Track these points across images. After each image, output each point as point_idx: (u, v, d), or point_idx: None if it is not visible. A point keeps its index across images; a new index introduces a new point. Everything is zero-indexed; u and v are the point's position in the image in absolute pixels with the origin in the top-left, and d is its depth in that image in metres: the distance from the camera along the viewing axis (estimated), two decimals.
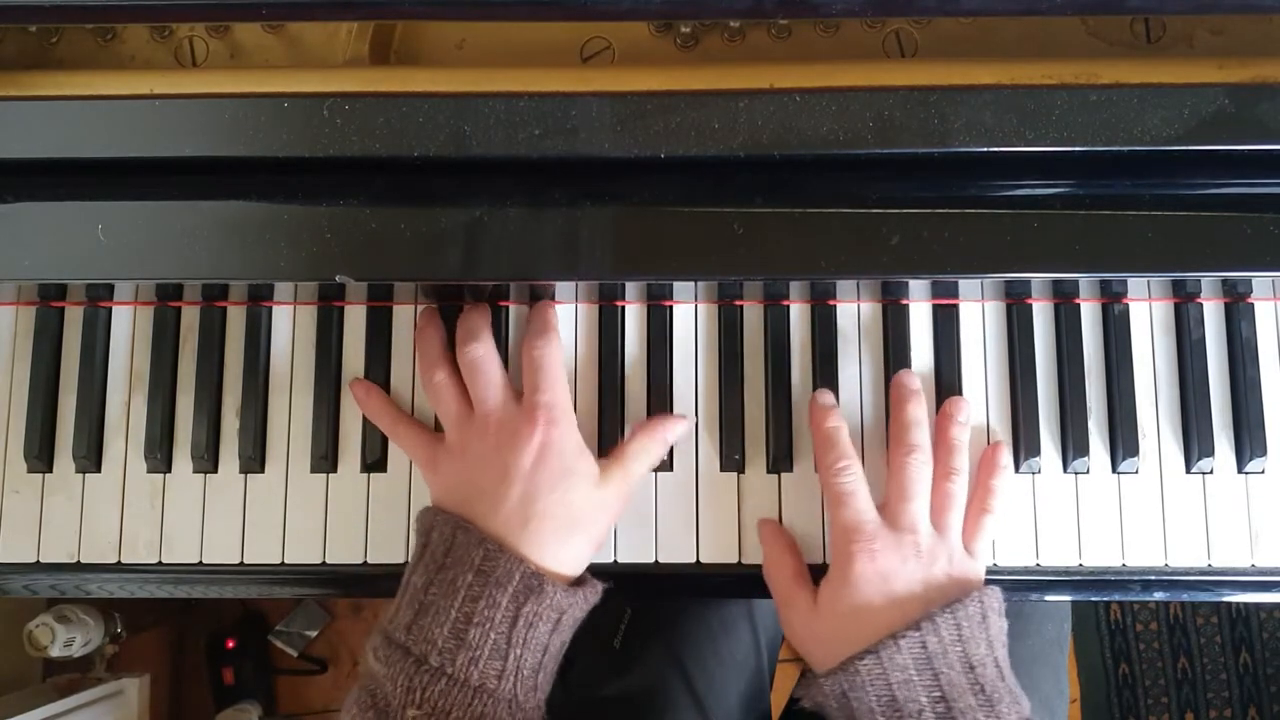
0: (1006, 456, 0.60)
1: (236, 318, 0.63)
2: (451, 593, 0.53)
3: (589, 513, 0.57)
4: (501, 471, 0.56)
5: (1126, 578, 0.61)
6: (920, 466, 0.57)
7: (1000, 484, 0.59)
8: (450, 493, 0.58)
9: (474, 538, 0.54)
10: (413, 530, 0.59)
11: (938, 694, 0.52)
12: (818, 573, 0.58)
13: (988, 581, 0.57)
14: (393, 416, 0.61)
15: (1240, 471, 0.61)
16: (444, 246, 0.55)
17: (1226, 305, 0.62)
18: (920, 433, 0.58)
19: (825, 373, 0.61)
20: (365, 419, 0.62)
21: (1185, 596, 0.62)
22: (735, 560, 0.61)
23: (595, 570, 0.59)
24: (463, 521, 0.55)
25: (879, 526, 0.56)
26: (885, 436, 0.61)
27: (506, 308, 0.63)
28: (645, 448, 0.59)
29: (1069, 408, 0.61)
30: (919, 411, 0.59)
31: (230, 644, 1.42)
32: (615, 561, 0.61)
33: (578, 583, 0.56)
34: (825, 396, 0.60)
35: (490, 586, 0.52)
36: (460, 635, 0.52)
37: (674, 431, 0.60)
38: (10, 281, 0.62)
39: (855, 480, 0.57)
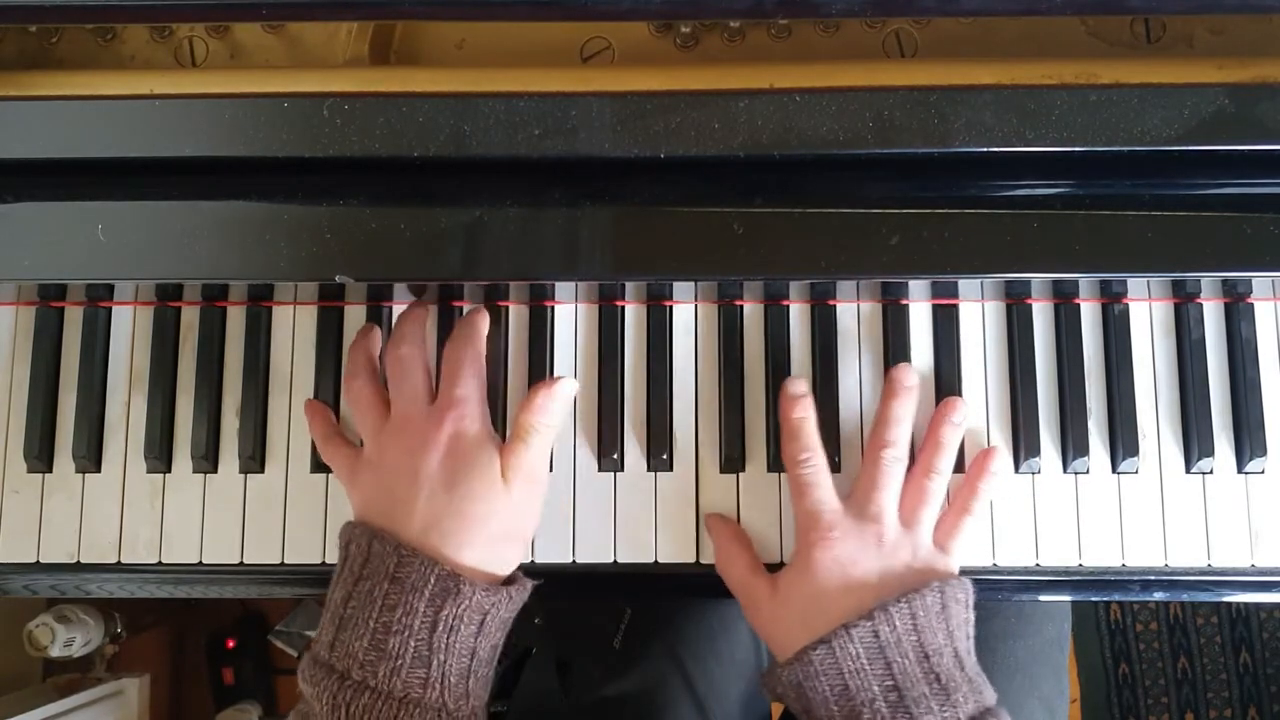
0: (999, 462, 0.60)
1: (236, 318, 0.63)
2: (369, 603, 0.52)
3: (501, 506, 0.55)
4: (412, 475, 0.55)
5: (1126, 578, 0.61)
6: (892, 462, 0.57)
7: (986, 487, 0.59)
8: (368, 505, 0.57)
9: (389, 545, 0.53)
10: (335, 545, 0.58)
11: (890, 683, 0.51)
12: None
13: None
14: (323, 436, 0.61)
15: (1240, 471, 0.61)
16: (444, 246, 0.55)
17: (1226, 305, 0.62)
18: (899, 430, 0.58)
19: (825, 373, 0.61)
20: None
21: (1185, 596, 0.62)
22: None
23: (595, 570, 0.59)
24: (379, 531, 0.54)
25: (839, 515, 0.56)
26: None
27: (507, 308, 0.63)
28: (531, 425, 0.56)
29: (1069, 408, 0.61)
30: (903, 409, 0.59)
31: (230, 644, 1.42)
32: (615, 561, 0.61)
33: (509, 581, 0.55)
34: (796, 385, 0.59)
35: (406, 593, 0.51)
36: (380, 646, 0.51)
37: (555, 397, 0.56)
38: (10, 281, 0.62)
39: (817, 471, 0.57)
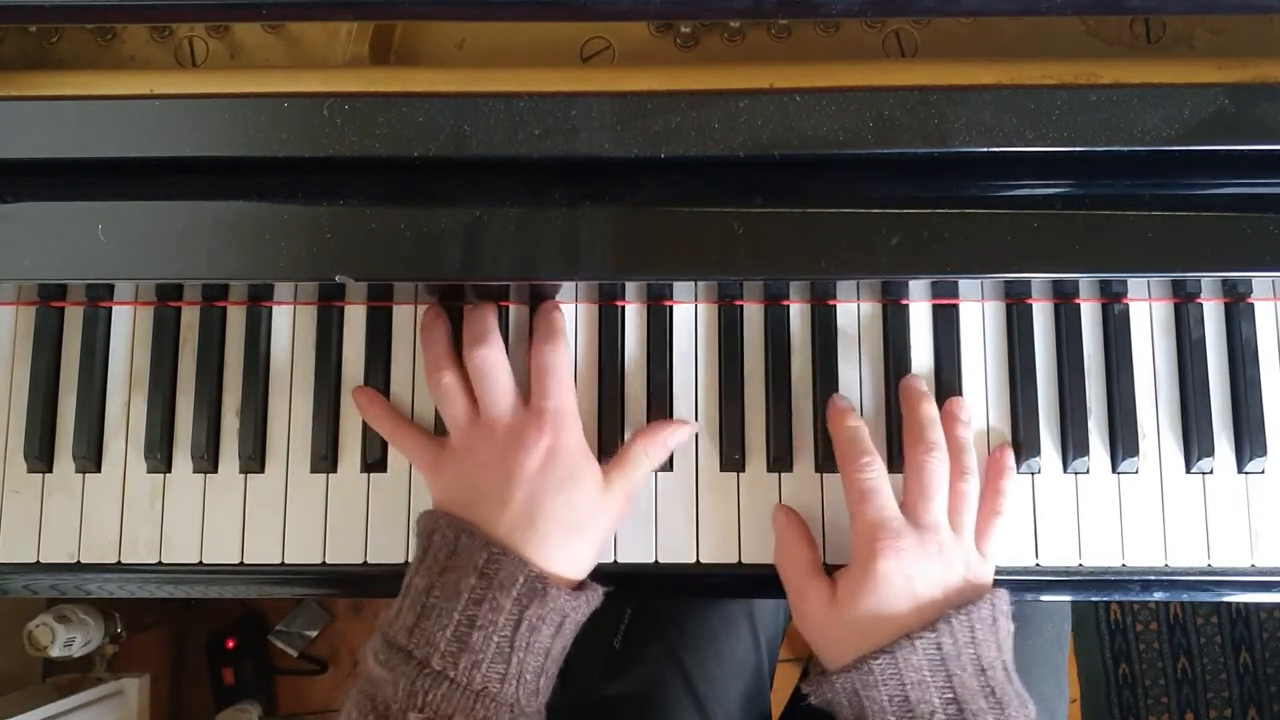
0: (1012, 458, 0.60)
1: (236, 318, 0.63)
2: (454, 596, 0.52)
3: (592, 517, 0.57)
4: (506, 475, 0.56)
5: (1126, 578, 0.61)
6: (940, 464, 0.57)
7: (1010, 485, 0.60)
8: (454, 496, 0.57)
9: (478, 541, 0.53)
10: (413, 533, 0.59)
11: (950, 695, 0.51)
12: None
13: (993, 583, 0.57)
14: (394, 422, 0.61)
15: (1240, 471, 0.61)
16: (444, 246, 0.55)
17: (1226, 305, 0.62)
18: (937, 431, 0.58)
19: (825, 373, 0.61)
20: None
21: (1185, 596, 0.62)
22: (735, 560, 0.61)
23: (595, 571, 0.58)
24: (466, 524, 0.55)
25: (904, 524, 0.55)
26: (884, 436, 0.61)
27: (507, 308, 0.63)
28: (647, 453, 0.59)
29: (1069, 408, 0.61)
30: (933, 410, 0.59)
31: (230, 644, 1.42)
32: (615, 561, 0.61)
33: (579, 586, 0.56)
34: (842, 400, 0.60)
35: (494, 590, 0.52)
36: (463, 639, 0.51)
37: (676, 437, 0.60)
38: (10, 281, 0.62)
39: (879, 477, 0.57)
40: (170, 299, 0.63)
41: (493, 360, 0.58)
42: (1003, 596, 0.55)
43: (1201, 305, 0.62)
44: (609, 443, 0.61)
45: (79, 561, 0.62)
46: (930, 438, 0.58)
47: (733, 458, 0.61)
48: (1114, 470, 0.61)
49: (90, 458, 0.62)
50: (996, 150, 0.54)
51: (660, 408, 0.61)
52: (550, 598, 0.53)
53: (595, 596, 0.56)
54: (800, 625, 0.59)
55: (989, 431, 0.62)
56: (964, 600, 0.54)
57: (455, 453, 0.58)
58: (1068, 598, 0.66)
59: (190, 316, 0.63)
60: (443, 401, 0.60)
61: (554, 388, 0.58)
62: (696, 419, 0.62)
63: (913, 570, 0.54)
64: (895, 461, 0.60)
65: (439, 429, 0.62)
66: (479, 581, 0.52)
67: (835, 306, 0.62)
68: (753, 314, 0.62)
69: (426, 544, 0.55)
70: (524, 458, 0.56)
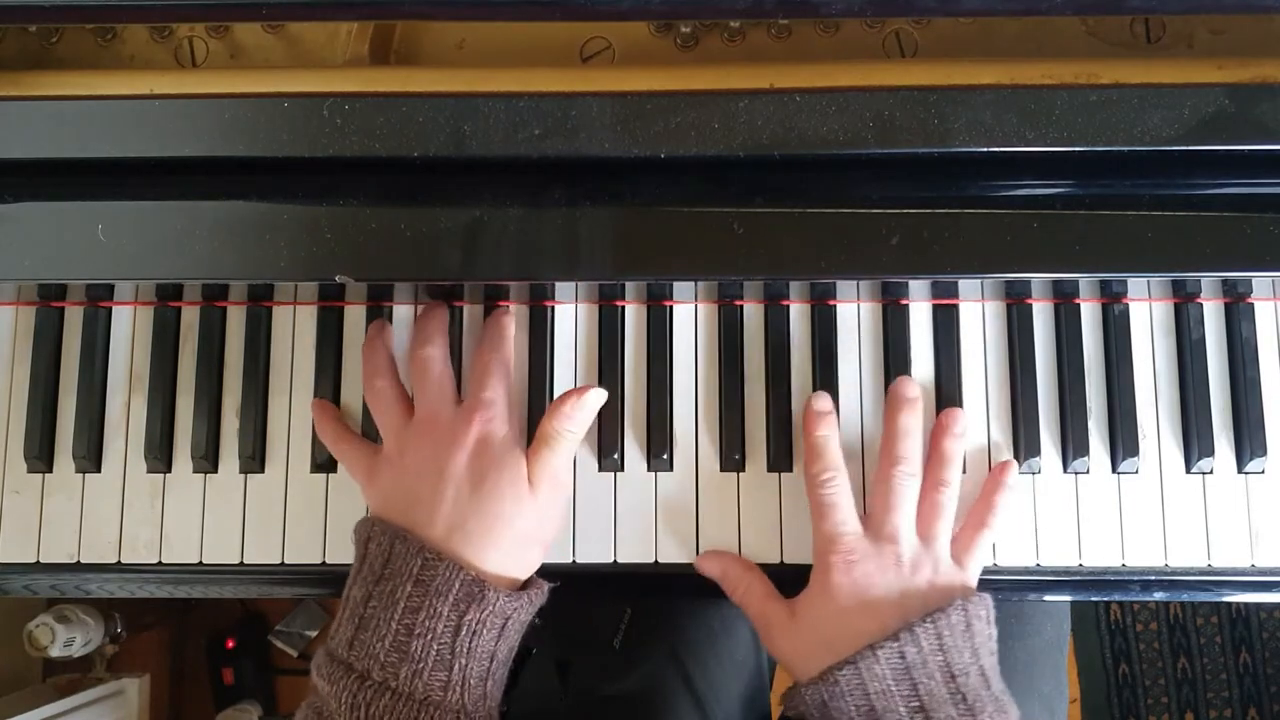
0: (1014, 476, 0.60)
1: (236, 318, 0.63)
2: (391, 605, 0.52)
3: (525, 510, 0.55)
4: (437, 476, 0.55)
5: (1126, 578, 0.61)
6: (906, 478, 0.57)
7: (1003, 501, 0.59)
8: (388, 503, 0.56)
9: (412, 546, 0.53)
10: (350, 541, 0.58)
11: (916, 704, 0.51)
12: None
13: (985, 584, 0.57)
14: (335, 434, 0.60)
15: (1240, 471, 0.61)
16: (444, 246, 0.55)
17: (1226, 305, 0.62)
18: (909, 444, 0.58)
19: (825, 373, 0.61)
20: (366, 419, 0.62)
21: (1185, 596, 0.62)
22: None
23: (595, 570, 0.59)
24: (400, 531, 0.54)
25: (858, 538, 0.56)
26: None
27: (507, 308, 0.63)
28: (557, 429, 0.56)
29: (1069, 408, 0.61)
30: (911, 421, 0.58)
31: (230, 644, 1.42)
32: (615, 562, 0.61)
33: (525, 585, 0.56)
34: (821, 401, 0.59)
35: (430, 596, 0.51)
36: (402, 648, 0.51)
37: (583, 405, 0.56)
38: (10, 281, 0.62)
39: (838, 492, 0.57)
40: (170, 299, 0.63)
41: (432, 356, 0.58)
42: (979, 602, 0.55)
43: (1201, 305, 0.62)
44: (608, 443, 0.61)
45: (79, 561, 0.62)
46: (899, 451, 0.57)
47: (733, 458, 0.61)
48: (1114, 470, 0.61)
49: (90, 458, 0.62)
50: (996, 150, 0.54)
51: (660, 408, 0.61)
52: (488, 600, 0.52)
53: (539, 595, 0.55)
54: (771, 650, 0.59)
55: (989, 431, 0.61)
56: (930, 608, 0.53)
57: (388, 459, 0.58)
58: (1068, 598, 0.66)
59: (190, 316, 0.63)
60: (376, 406, 0.59)
61: (487, 381, 0.57)
62: (696, 419, 0.62)
63: (866, 582, 0.54)
64: None
65: None
66: (415, 589, 0.52)
67: (835, 306, 0.62)
68: (753, 314, 0.62)
69: (363, 553, 0.55)
70: (453, 457, 0.55)
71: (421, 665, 0.51)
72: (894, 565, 0.55)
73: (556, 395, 0.62)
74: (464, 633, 0.51)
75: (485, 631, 0.52)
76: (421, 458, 0.56)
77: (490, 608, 0.52)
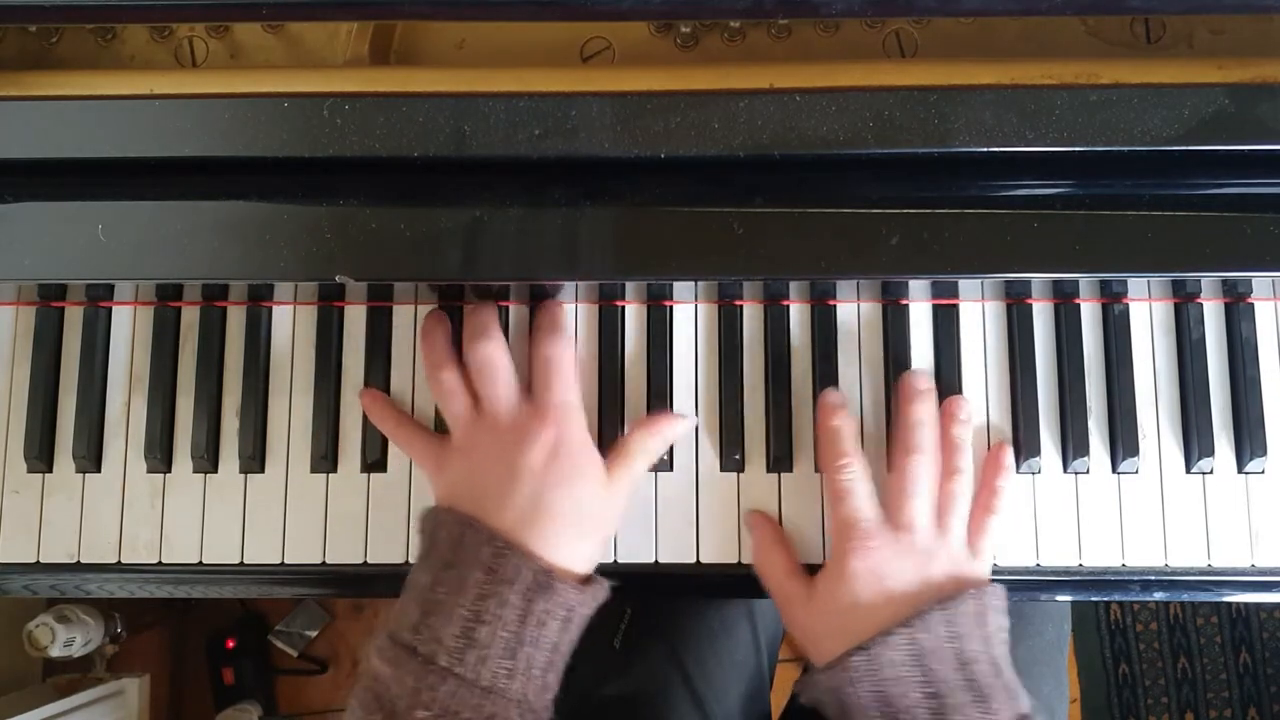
0: (1010, 457, 0.60)
1: (236, 318, 0.63)
2: (460, 591, 0.52)
3: (596, 510, 0.57)
4: (510, 469, 0.55)
5: (1126, 578, 0.61)
6: (923, 466, 0.57)
7: (1005, 484, 0.60)
8: (457, 492, 0.57)
9: (483, 535, 0.53)
10: (415, 530, 0.59)
11: (930, 690, 0.52)
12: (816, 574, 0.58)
13: (990, 581, 0.57)
14: (397, 420, 0.61)
15: (1240, 471, 0.61)
16: (444, 246, 0.55)
17: (1226, 305, 0.62)
18: (925, 433, 0.58)
19: (825, 373, 0.61)
20: (365, 419, 0.62)
21: (1185, 596, 0.62)
22: (735, 560, 0.61)
23: (596, 570, 0.58)
24: (470, 519, 0.54)
25: (876, 524, 0.56)
26: (885, 436, 0.61)
27: (507, 308, 0.63)
28: (646, 444, 0.59)
29: (1069, 408, 0.61)
30: (925, 412, 0.59)
31: (230, 644, 1.42)
32: (615, 561, 0.61)
33: (585, 581, 0.56)
34: (833, 395, 0.60)
35: (500, 584, 0.52)
36: (469, 634, 0.51)
37: (674, 428, 0.60)
38: (10, 281, 0.62)
39: (855, 478, 0.57)
40: (170, 299, 0.63)
41: (494, 355, 0.58)
42: (993, 592, 0.55)
43: (1201, 305, 0.62)
44: (609, 442, 0.61)
45: (79, 561, 0.62)
46: (915, 440, 0.58)
47: (733, 458, 0.61)
48: (1114, 470, 0.61)
49: (90, 458, 0.62)
50: (996, 150, 0.54)
51: (660, 408, 0.61)
52: (557, 591, 0.53)
53: (601, 590, 0.56)
54: (787, 626, 0.59)
55: (989, 431, 0.62)
56: (945, 596, 0.54)
57: (458, 449, 0.58)
58: (1068, 598, 0.66)
59: (190, 316, 0.63)
60: (444, 399, 0.59)
61: (557, 381, 0.58)
62: (696, 419, 0.62)
63: (884, 568, 0.55)
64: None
65: (439, 429, 0.62)
66: (485, 576, 0.52)
67: (835, 306, 0.62)
68: (753, 314, 0.62)
69: (431, 540, 0.55)
70: (528, 452, 0.55)
71: (488, 652, 0.51)
72: (911, 553, 0.55)
73: None
74: (531, 622, 0.52)
75: (551, 622, 0.53)
76: (494, 451, 0.56)
77: (558, 599, 0.53)
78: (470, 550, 0.53)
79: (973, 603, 0.54)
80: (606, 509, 0.57)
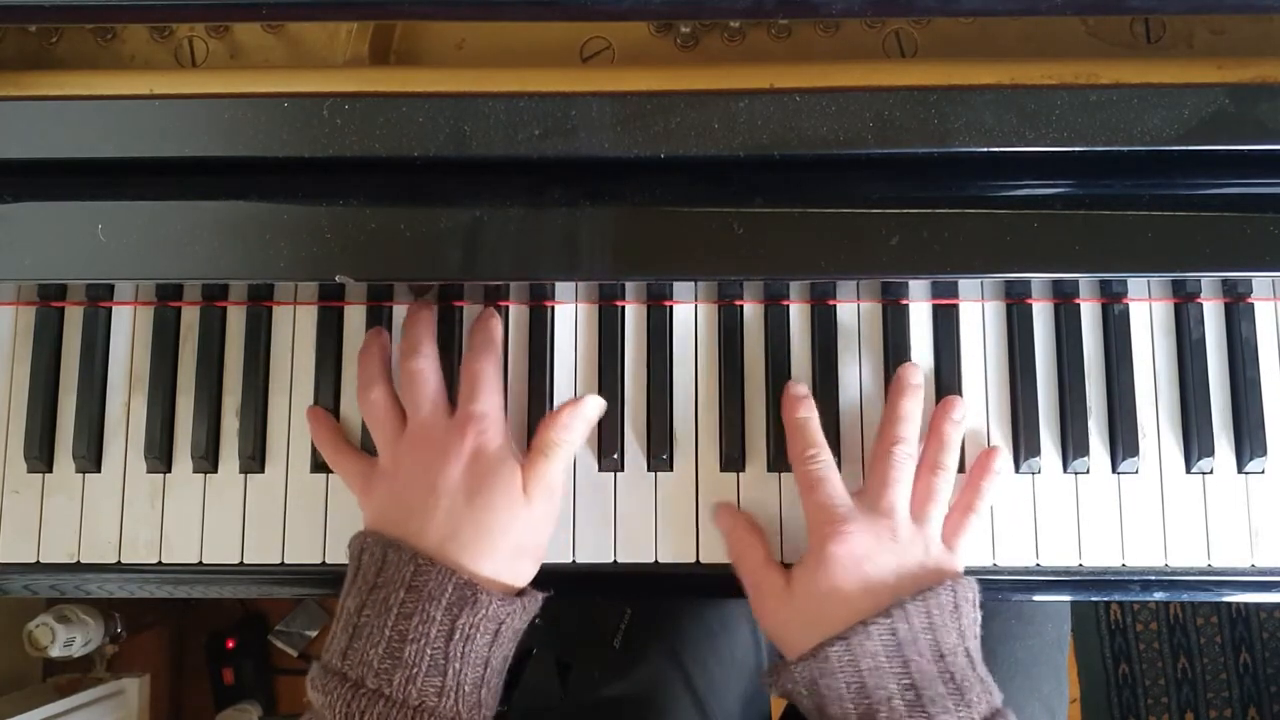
0: (1000, 461, 0.60)
1: (236, 318, 0.63)
2: (384, 612, 0.51)
3: (518, 518, 0.55)
4: (430, 488, 0.55)
5: (1126, 578, 0.61)
6: (903, 457, 0.57)
7: (989, 486, 0.60)
8: (383, 515, 0.56)
9: (405, 555, 0.53)
10: (345, 556, 0.58)
11: (907, 681, 0.51)
12: None
13: (986, 584, 0.57)
14: (333, 445, 0.61)
15: (1240, 471, 0.61)
16: (444, 246, 0.55)
17: (1226, 305, 0.62)
18: (908, 427, 0.58)
19: (825, 373, 0.61)
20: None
21: (1185, 596, 0.62)
22: None
23: (595, 570, 0.59)
24: (394, 541, 0.54)
25: (853, 510, 0.56)
26: None
27: (507, 307, 0.63)
28: (553, 439, 0.56)
29: (1069, 408, 0.61)
30: (912, 407, 0.59)
31: (230, 644, 1.42)
32: (615, 562, 0.61)
33: (518, 593, 0.55)
34: (797, 387, 0.60)
35: (423, 601, 0.51)
36: (395, 654, 0.50)
37: (581, 413, 0.57)
38: (10, 281, 0.62)
39: (825, 467, 0.57)
40: (170, 299, 0.63)
41: (422, 368, 0.58)
42: (967, 584, 0.55)
43: (1201, 305, 0.62)
44: (608, 443, 0.61)
45: (79, 561, 0.62)
46: (898, 432, 0.58)
47: (733, 458, 0.61)
48: (1114, 470, 0.61)
49: (90, 458, 0.62)
50: (996, 150, 0.54)
51: (660, 408, 0.61)
52: (481, 604, 0.52)
53: (534, 602, 0.55)
54: (759, 619, 0.58)
55: (989, 431, 0.62)
56: (921, 587, 0.53)
57: (383, 473, 0.58)
58: (1068, 598, 0.66)
59: (190, 316, 0.63)
60: (370, 418, 0.59)
61: (479, 392, 0.57)
62: (696, 419, 0.62)
63: (862, 554, 0.54)
64: None
65: None
66: (408, 594, 0.51)
67: (835, 306, 0.62)
68: (753, 314, 0.62)
69: (356, 565, 0.55)
70: (446, 468, 0.55)
71: (415, 671, 0.50)
72: (890, 540, 0.55)
73: (556, 395, 0.62)
74: (457, 637, 0.51)
75: (479, 636, 0.52)
76: (415, 471, 0.56)
77: (484, 611, 0.52)
78: (393, 571, 0.52)
79: (949, 594, 0.53)
80: (530, 515, 0.56)
